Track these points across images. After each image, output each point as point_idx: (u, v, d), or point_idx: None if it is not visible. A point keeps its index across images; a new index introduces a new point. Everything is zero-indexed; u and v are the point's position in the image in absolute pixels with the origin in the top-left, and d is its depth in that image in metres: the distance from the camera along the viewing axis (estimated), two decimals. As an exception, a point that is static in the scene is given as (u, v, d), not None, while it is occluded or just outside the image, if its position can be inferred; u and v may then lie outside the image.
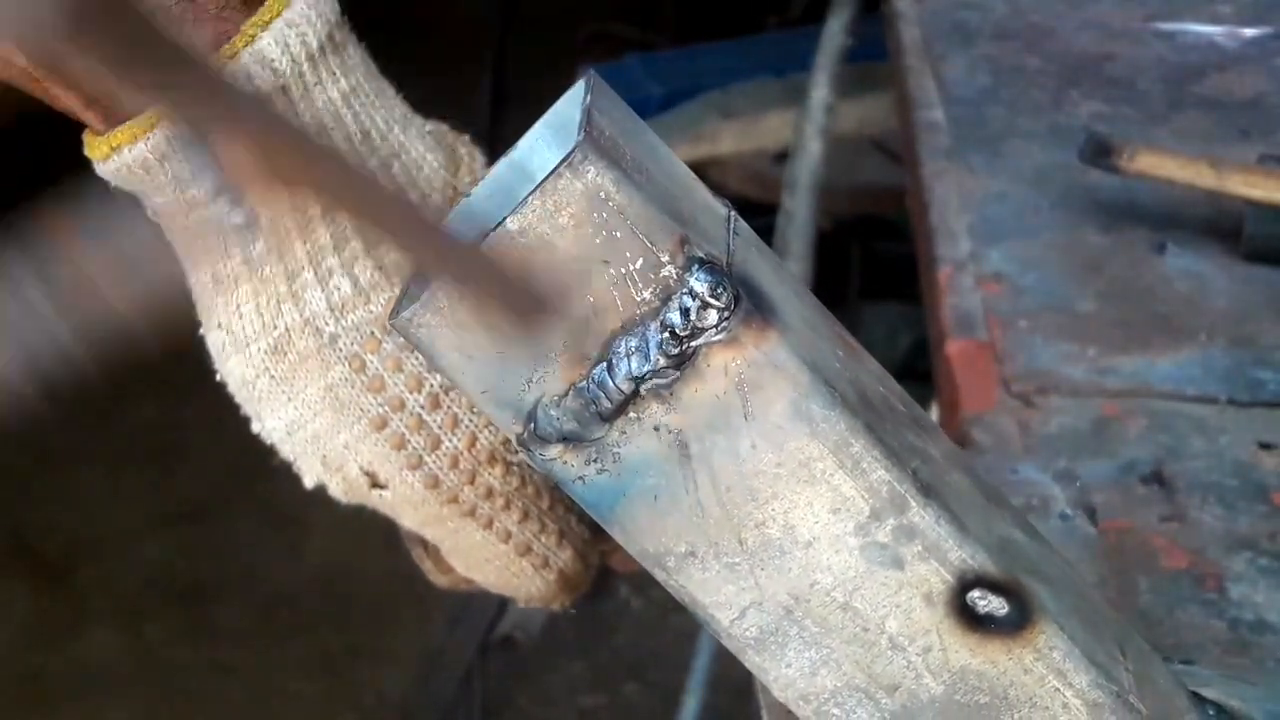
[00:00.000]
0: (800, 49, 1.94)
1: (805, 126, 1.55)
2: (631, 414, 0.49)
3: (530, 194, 0.48)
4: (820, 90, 1.58)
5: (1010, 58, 1.52)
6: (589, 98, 0.50)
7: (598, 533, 0.69)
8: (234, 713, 2.36)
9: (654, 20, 3.69)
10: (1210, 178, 1.17)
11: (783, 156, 2.14)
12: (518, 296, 0.48)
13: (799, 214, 1.48)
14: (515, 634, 2.37)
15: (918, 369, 2.25)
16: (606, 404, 0.49)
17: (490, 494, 0.64)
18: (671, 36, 3.53)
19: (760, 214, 2.19)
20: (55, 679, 2.41)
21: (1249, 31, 1.53)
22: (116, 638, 2.48)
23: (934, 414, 1.41)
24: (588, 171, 0.47)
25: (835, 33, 1.69)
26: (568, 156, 0.47)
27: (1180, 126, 1.39)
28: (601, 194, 0.47)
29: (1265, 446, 0.99)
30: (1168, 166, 1.18)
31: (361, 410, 0.61)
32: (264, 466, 0.64)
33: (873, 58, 1.80)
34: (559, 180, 0.47)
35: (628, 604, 2.44)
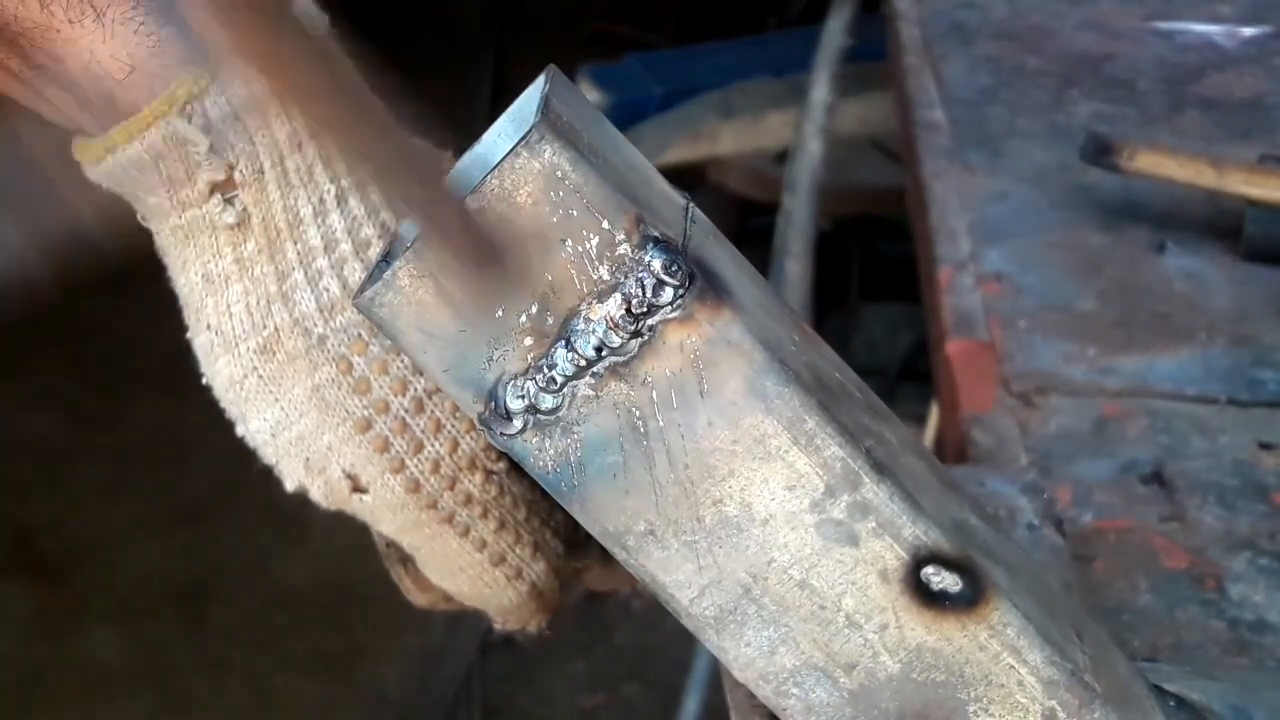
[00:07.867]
0: (800, 49, 1.94)
1: (805, 126, 1.56)
2: (590, 391, 0.50)
3: (489, 173, 0.48)
4: (820, 90, 1.59)
5: (1010, 58, 1.52)
6: (548, 87, 0.51)
7: (574, 550, 0.69)
8: (234, 713, 2.36)
9: (654, 20, 3.69)
10: (1210, 177, 1.17)
11: (783, 156, 2.14)
12: (480, 248, 0.49)
13: (799, 214, 1.49)
14: (515, 634, 2.36)
15: (918, 369, 2.25)
16: (565, 381, 0.49)
17: (469, 501, 0.63)
18: (671, 36, 3.53)
19: (760, 214, 2.19)
20: (55, 679, 2.41)
21: (1249, 31, 1.53)
22: (116, 638, 2.48)
23: (934, 414, 1.41)
24: (544, 151, 0.48)
25: (835, 33, 1.69)
26: (525, 136, 0.48)
27: (1180, 126, 1.39)
28: (558, 173, 0.48)
29: (1265, 446, 0.99)
30: (1168, 166, 1.18)
31: (347, 412, 0.60)
32: (263, 466, 0.64)
33: (873, 58, 1.81)
34: (516, 159, 0.48)
35: (628, 604, 2.45)
